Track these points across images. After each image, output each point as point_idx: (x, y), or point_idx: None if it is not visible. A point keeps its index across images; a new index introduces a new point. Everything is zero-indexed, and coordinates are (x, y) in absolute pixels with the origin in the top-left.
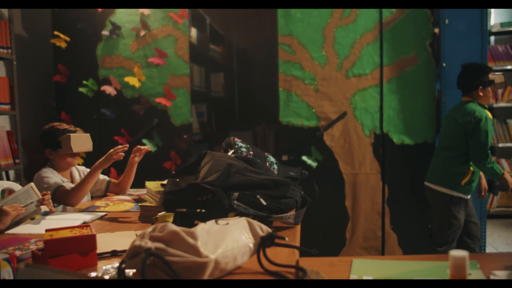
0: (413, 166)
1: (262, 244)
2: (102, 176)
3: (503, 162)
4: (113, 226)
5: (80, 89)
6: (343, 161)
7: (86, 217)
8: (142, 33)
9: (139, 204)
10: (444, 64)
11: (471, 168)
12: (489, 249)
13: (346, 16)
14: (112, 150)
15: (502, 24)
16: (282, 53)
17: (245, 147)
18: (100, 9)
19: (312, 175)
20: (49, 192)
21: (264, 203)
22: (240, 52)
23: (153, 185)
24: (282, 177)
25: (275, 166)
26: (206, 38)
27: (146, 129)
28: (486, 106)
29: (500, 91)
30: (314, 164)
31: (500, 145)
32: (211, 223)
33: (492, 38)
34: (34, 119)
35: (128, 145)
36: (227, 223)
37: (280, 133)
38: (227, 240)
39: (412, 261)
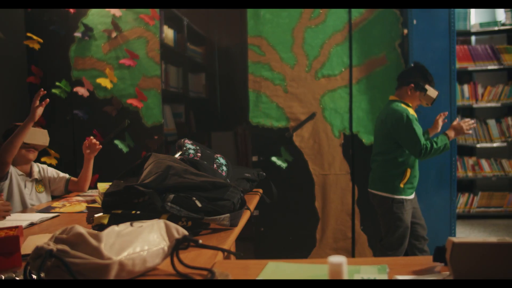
0: None
1: (176, 246)
2: (62, 174)
3: (483, 162)
4: (60, 227)
5: (53, 90)
6: (312, 162)
7: (35, 218)
8: (114, 34)
9: (87, 205)
10: (412, 65)
11: (408, 169)
12: None
13: (315, 17)
14: (33, 102)
15: (481, 24)
16: (252, 54)
17: (193, 149)
18: (72, 11)
19: (282, 176)
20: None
21: (199, 205)
22: (222, 53)
23: (103, 187)
24: (225, 179)
25: (224, 168)
26: (184, 39)
27: (117, 130)
28: (410, 105)
29: (480, 91)
30: (284, 165)
31: (479, 145)
32: (124, 225)
33: (473, 38)
34: (7, 120)
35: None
36: (141, 226)
37: (250, 134)
38: (137, 242)
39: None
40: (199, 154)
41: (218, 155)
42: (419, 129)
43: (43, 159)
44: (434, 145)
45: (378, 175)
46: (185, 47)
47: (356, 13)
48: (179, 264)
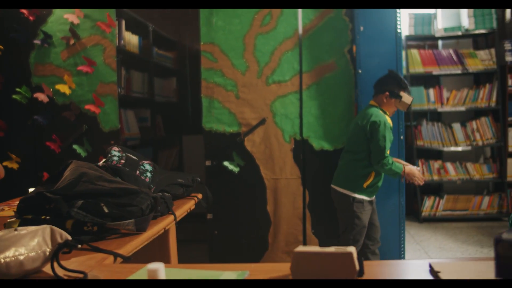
0: (333, 171)
1: (56, 250)
2: None
3: (449, 165)
4: None
5: (14, 96)
6: (264, 167)
7: None
8: (72, 42)
9: (14, 210)
10: (360, 71)
11: (373, 172)
12: (419, 253)
13: (266, 24)
14: None
15: (445, 29)
16: (205, 61)
17: (118, 156)
18: (32, 18)
19: (234, 180)
20: None
21: (106, 210)
22: (194, 57)
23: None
24: (148, 185)
25: (148, 174)
26: (149, 44)
27: (75, 135)
28: (388, 113)
29: (446, 95)
30: (236, 170)
31: (445, 149)
32: (8, 231)
33: (440, 42)
34: None
35: None
36: (25, 231)
37: (204, 139)
38: (15, 246)
39: (213, 271)
40: (122, 161)
41: (145, 162)
42: (389, 139)
43: (4, 163)
44: (392, 166)
45: (343, 173)
46: (151, 52)
47: (306, 20)
48: (58, 267)
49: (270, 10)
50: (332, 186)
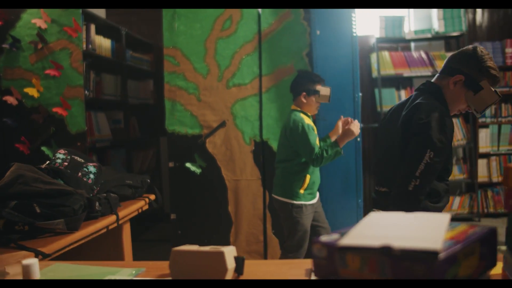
0: None
1: None
2: None
3: None
4: None
5: None
6: (225, 168)
7: None
8: (40, 46)
9: None
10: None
11: (307, 175)
12: None
13: (226, 28)
14: None
15: (416, 32)
16: (167, 64)
17: (61, 159)
18: (0, 23)
19: (196, 181)
20: None
21: (38, 210)
22: None
23: None
24: (90, 186)
25: (91, 176)
26: (122, 47)
27: (43, 137)
28: (310, 115)
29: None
30: (198, 171)
31: None
32: None
33: (413, 44)
34: None
35: None
36: None
37: (167, 141)
38: None
39: (110, 268)
40: (65, 164)
41: (90, 164)
42: (313, 138)
43: None
44: (325, 153)
45: (279, 181)
46: (124, 55)
47: (266, 24)
48: None
49: (231, 14)
50: (273, 195)
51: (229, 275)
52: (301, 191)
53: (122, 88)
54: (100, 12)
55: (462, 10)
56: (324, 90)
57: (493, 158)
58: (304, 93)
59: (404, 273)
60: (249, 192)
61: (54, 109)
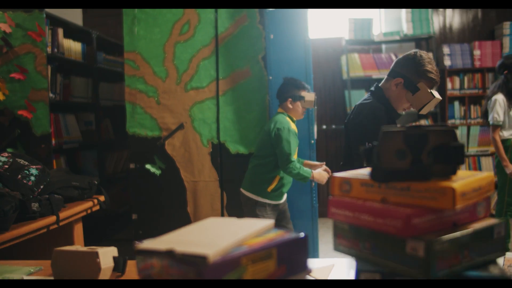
0: None
1: None
2: None
3: None
4: None
5: None
6: (184, 169)
7: None
8: (5, 50)
9: None
10: (270, 77)
11: (277, 176)
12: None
13: (184, 33)
14: None
15: (384, 34)
16: (128, 68)
17: (3, 161)
18: None
19: (156, 183)
20: None
21: None
22: None
23: None
24: (30, 188)
25: (32, 178)
26: (93, 50)
27: (8, 139)
28: (294, 119)
29: None
30: (158, 172)
31: None
32: None
33: (384, 46)
34: None
35: None
36: None
37: (128, 143)
38: None
39: (8, 266)
40: (6, 166)
41: (33, 167)
42: (294, 144)
43: None
44: (300, 170)
45: (250, 176)
46: (95, 58)
47: (222, 28)
48: None
49: (189, 19)
50: (240, 189)
51: (104, 275)
52: (268, 190)
53: (93, 90)
54: (77, 15)
55: (430, 13)
56: (309, 96)
57: None
58: (290, 99)
59: (184, 275)
60: (207, 193)
61: (20, 112)
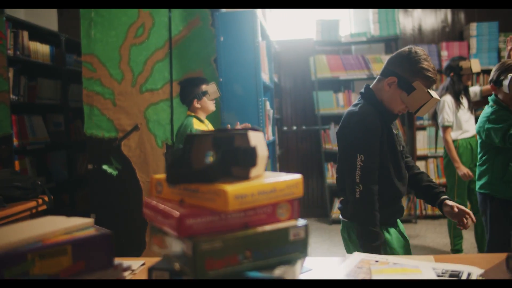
0: None
1: None
2: None
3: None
4: None
5: None
6: (139, 170)
7: None
8: None
9: None
10: (221, 79)
11: None
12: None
13: (139, 36)
14: None
15: (352, 35)
16: (85, 71)
17: None
18: None
19: (113, 183)
20: None
21: None
22: None
23: None
24: None
25: None
26: (62, 53)
27: None
28: (203, 119)
29: (355, 99)
30: (114, 173)
31: None
32: None
33: (353, 47)
34: None
35: None
36: None
37: (86, 144)
38: None
39: None
40: None
41: None
42: None
43: None
44: None
45: None
46: (64, 60)
47: (176, 30)
48: None
49: (143, 22)
50: None
51: None
52: None
53: (62, 92)
54: (52, 16)
55: (396, 13)
56: (210, 88)
57: (430, 160)
58: (195, 100)
59: None
60: None
61: None
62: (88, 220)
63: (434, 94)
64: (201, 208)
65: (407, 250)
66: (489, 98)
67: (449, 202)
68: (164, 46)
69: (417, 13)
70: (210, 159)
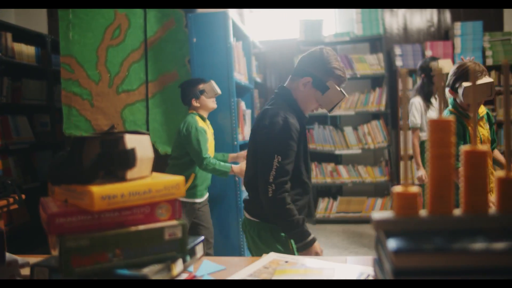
0: None
1: None
2: None
3: (341, 168)
4: None
5: None
6: None
7: None
8: None
9: None
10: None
11: (193, 174)
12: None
13: (115, 37)
14: None
15: (335, 35)
16: (64, 72)
17: None
18: None
19: None
20: None
21: None
22: None
23: None
24: None
25: None
26: (48, 54)
27: None
28: (205, 116)
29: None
30: None
31: (337, 152)
32: None
33: (338, 47)
34: None
35: None
36: None
37: (65, 145)
38: None
39: None
40: None
41: None
42: (204, 141)
43: None
44: (216, 165)
45: None
46: (49, 61)
47: (151, 32)
48: None
49: (120, 23)
50: None
51: None
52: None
53: (48, 92)
54: (42, 18)
55: (380, 13)
56: (208, 86)
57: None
58: (194, 99)
59: None
60: None
61: None
62: None
63: (344, 92)
64: (74, 208)
65: None
66: (449, 101)
67: None
68: (140, 47)
69: (403, 12)
70: (87, 161)
